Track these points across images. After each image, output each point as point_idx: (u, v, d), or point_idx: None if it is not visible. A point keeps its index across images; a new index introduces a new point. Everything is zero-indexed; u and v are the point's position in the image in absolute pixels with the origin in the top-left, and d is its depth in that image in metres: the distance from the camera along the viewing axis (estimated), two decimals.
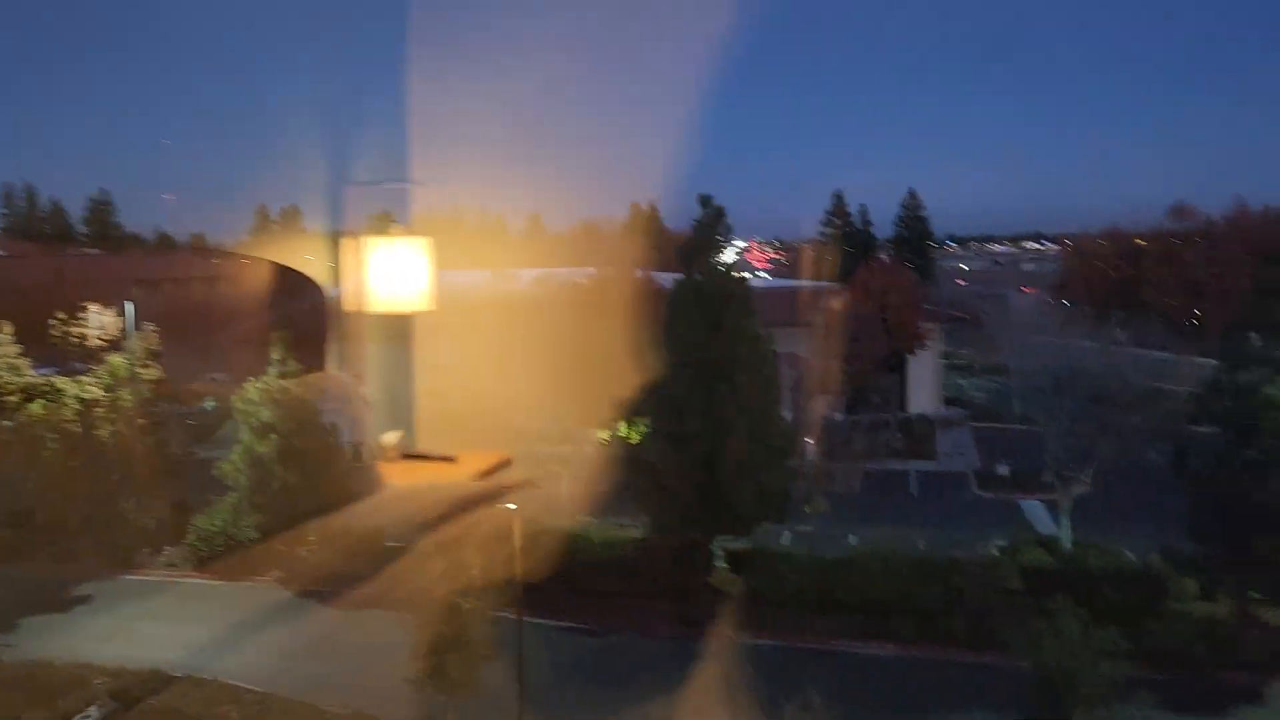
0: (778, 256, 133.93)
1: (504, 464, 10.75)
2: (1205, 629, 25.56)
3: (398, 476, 10.63)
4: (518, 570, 23.12)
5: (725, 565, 30.54)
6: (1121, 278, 64.46)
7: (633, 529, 31.24)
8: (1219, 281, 55.26)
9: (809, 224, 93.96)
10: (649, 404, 29.55)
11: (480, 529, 21.05)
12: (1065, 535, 31.93)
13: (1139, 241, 67.95)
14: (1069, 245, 78.00)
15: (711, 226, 29.23)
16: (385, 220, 9.82)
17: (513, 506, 21.42)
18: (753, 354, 28.27)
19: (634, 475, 29.47)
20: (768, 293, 58.75)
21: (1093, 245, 68.64)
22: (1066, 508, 32.11)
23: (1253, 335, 24.26)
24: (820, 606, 27.87)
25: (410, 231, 9.91)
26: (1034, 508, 39.08)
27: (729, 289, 28.16)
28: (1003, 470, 43.26)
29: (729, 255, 40.69)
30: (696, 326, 27.87)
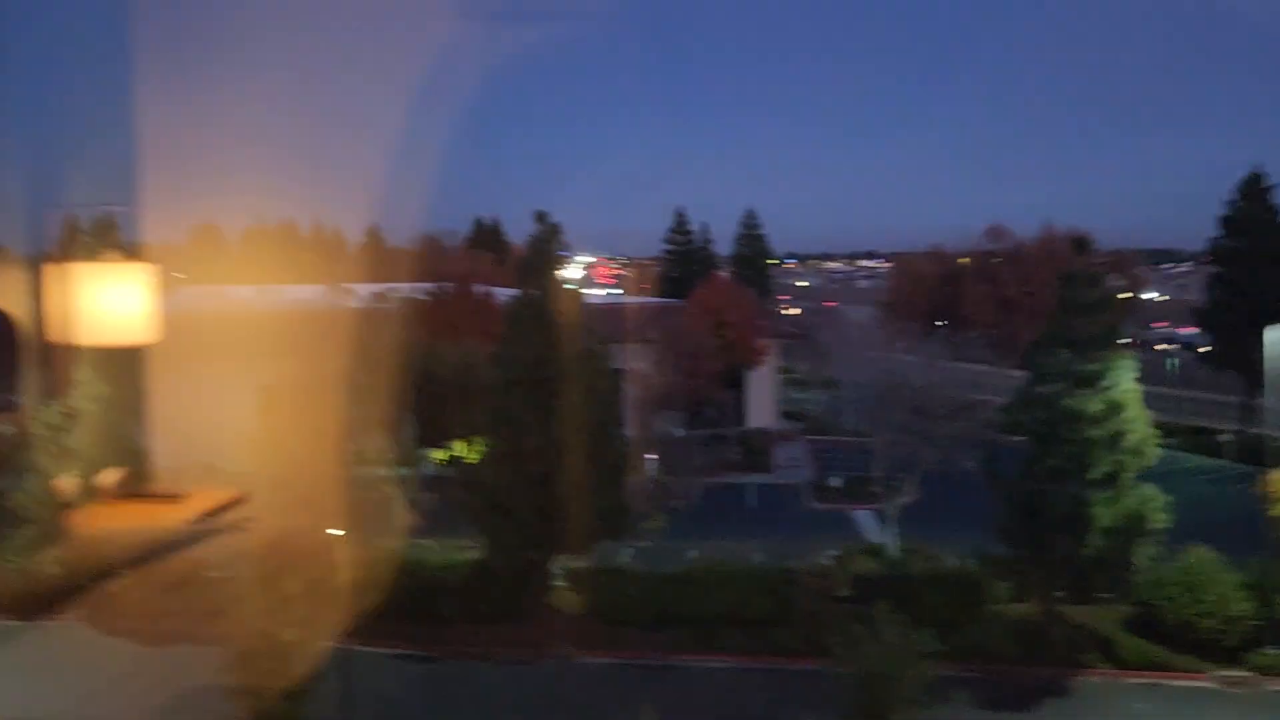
0: (622, 273, 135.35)
1: (235, 502, 10.11)
2: (1016, 628, 27.11)
3: (97, 518, 9.87)
4: (346, 598, 22.35)
5: (565, 585, 30.45)
6: (943, 295, 68.14)
7: (471, 551, 30.74)
8: (1029, 299, 59.11)
9: (653, 241, 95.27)
10: (486, 423, 29.23)
11: (302, 558, 20.23)
12: (892, 542, 33.39)
13: (960, 260, 71.97)
14: (896, 264, 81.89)
15: (548, 242, 29.15)
16: (100, 244, 9.12)
17: (340, 532, 20.74)
18: (591, 371, 28.33)
19: (472, 496, 29.03)
20: (611, 309, 59.09)
21: (917, 264, 72.38)
22: (893, 516, 33.60)
23: (1062, 350, 25.85)
24: (660, 622, 28.08)
25: (128, 256, 9.09)
26: (864, 517, 40.66)
27: (566, 305, 28.12)
28: (835, 482, 44.78)
29: (573, 271, 40.71)
30: (533, 344, 27.71)
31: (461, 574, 28.88)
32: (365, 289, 47.14)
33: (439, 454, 34.65)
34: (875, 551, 33.34)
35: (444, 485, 33.01)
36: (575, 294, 29.68)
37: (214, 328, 38.07)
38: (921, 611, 25.47)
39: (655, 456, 34.07)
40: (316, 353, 34.11)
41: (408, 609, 28.07)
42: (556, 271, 28.85)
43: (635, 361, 48.52)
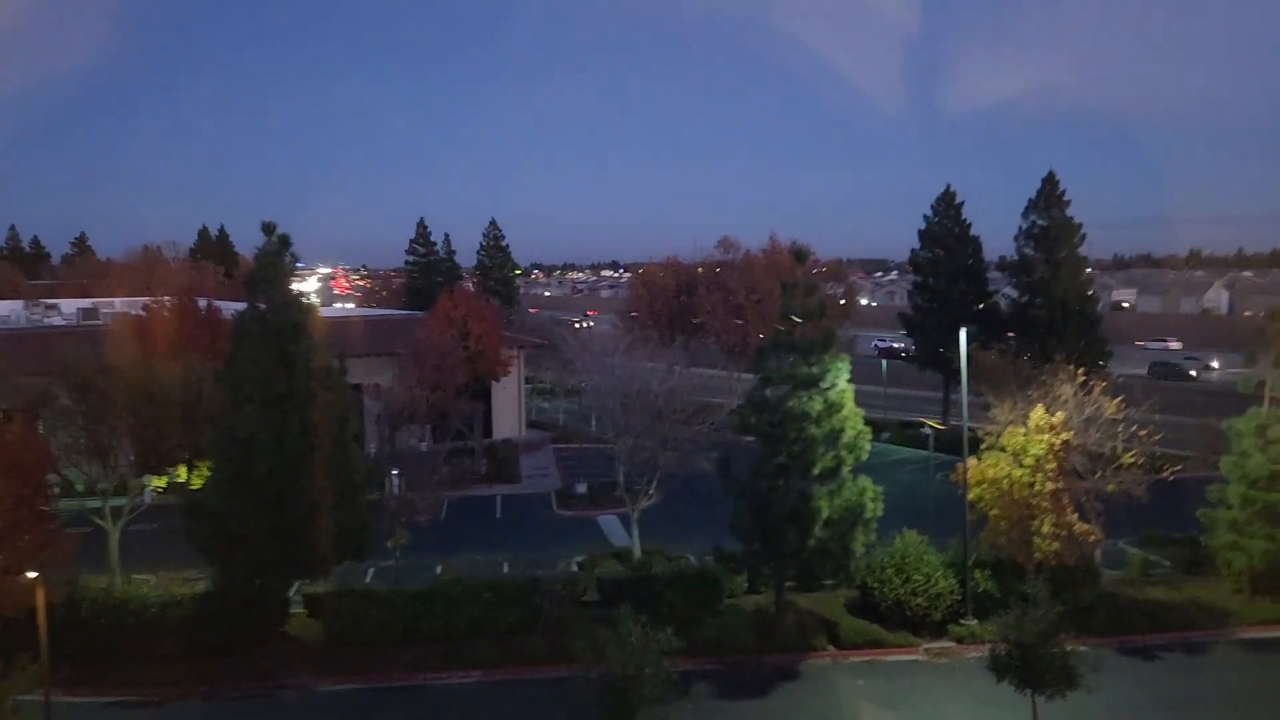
0: (364, 284, 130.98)
1: None
2: (751, 619, 28.62)
3: None
4: (46, 645, 20.19)
5: (303, 611, 29.02)
6: (680, 303, 70.81)
7: (198, 582, 28.66)
8: (758, 306, 62.56)
9: (396, 253, 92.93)
10: (213, 445, 27.31)
11: None
12: (636, 545, 34.28)
13: (696, 270, 75.03)
14: (636, 274, 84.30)
15: (278, 254, 27.64)
16: None
17: (33, 575, 18.65)
18: (327, 387, 27.16)
19: (196, 523, 27.01)
20: (349, 322, 57.08)
21: (655, 274, 74.77)
22: (636, 519, 34.51)
23: (785, 354, 27.49)
24: (407, 641, 27.36)
25: None
26: (610, 522, 41.53)
27: (298, 319, 26.77)
28: (581, 488, 45.47)
29: (309, 283, 38.84)
30: (263, 360, 26.16)
31: (185, 608, 26.81)
32: (71, 304, 42.85)
33: (159, 481, 32.01)
34: (620, 555, 34.13)
35: (165, 514, 30.56)
36: (309, 307, 28.34)
37: None
38: (664, 610, 26.43)
39: (398, 472, 33.16)
40: (7, 376, 30.71)
41: (122, 650, 25.82)
42: (288, 284, 27.40)
43: (376, 376, 47.09)
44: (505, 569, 33.45)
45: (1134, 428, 31.57)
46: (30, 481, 23.51)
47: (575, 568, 33.49)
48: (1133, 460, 30.42)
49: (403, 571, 30.94)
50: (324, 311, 45.18)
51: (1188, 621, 29.15)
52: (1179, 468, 33.00)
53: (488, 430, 53.83)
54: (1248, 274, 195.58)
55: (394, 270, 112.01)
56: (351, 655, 26.88)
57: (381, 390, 46.24)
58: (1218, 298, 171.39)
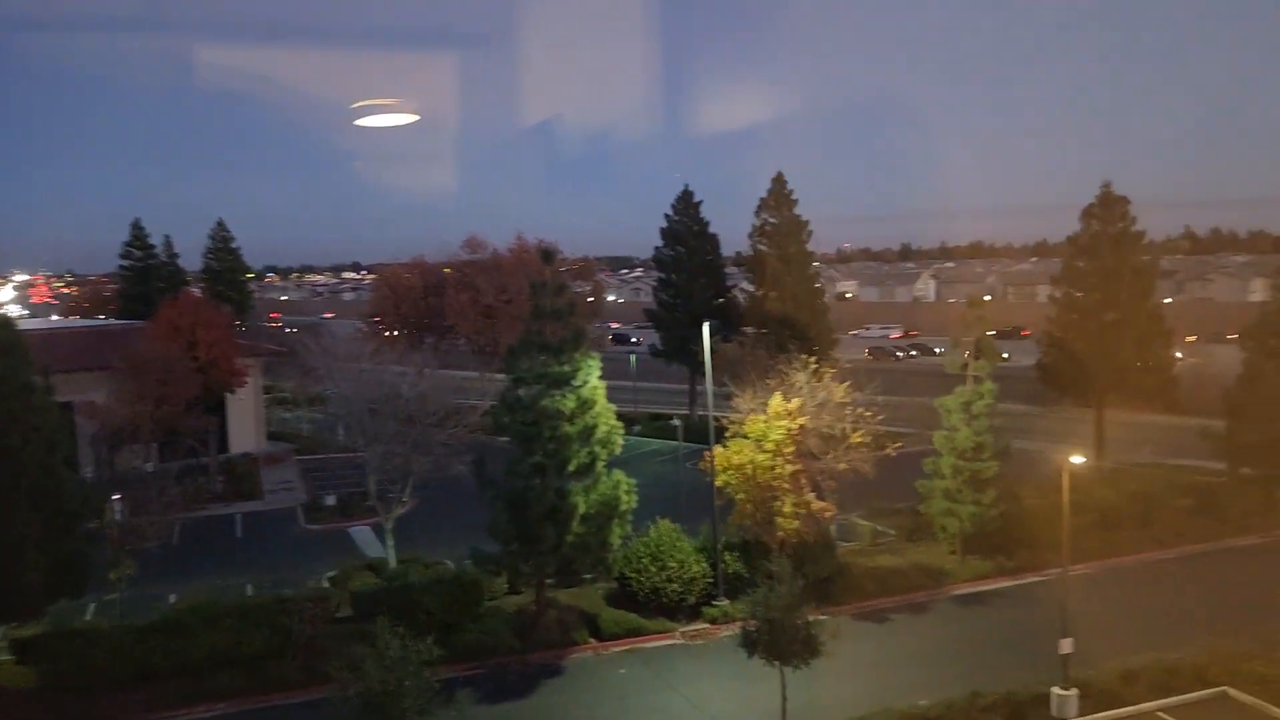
0: (70, 292, 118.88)
1: None
2: (512, 620, 28.50)
3: None
4: None
5: (12, 658, 25.96)
6: (428, 304, 69.34)
7: None
8: (508, 306, 62.36)
9: (108, 256, 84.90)
10: None
11: None
12: (391, 555, 33.26)
13: (443, 270, 73.67)
14: (380, 275, 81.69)
15: None
16: None
17: None
18: (28, 409, 24.38)
19: None
20: (56, 334, 51.81)
21: (400, 275, 72.78)
22: (390, 528, 33.47)
23: (537, 354, 27.51)
24: (139, 679, 25.08)
25: None
26: (362, 533, 40.09)
27: None
28: (330, 500, 43.58)
29: (4, 292, 34.74)
30: None
31: None
32: None
33: None
34: (374, 566, 32.99)
35: None
36: (6, 319, 25.37)
37: None
38: (422, 619, 25.78)
39: (120, 496, 30.30)
40: None
41: None
42: None
43: (89, 392, 42.94)
44: (249, 591, 31.48)
45: (860, 409, 34.10)
46: None
47: (326, 583, 32.03)
48: (860, 439, 32.87)
49: (130, 604, 28.40)
50: (24, 323, 40.64)
51: (912, 584, 31.89)
52: (900, 444, 35.97)
53: (224, 445, 50.44)
54: (950, 265, 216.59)
55: (106, 276, 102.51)
56: (74, 702, 24.31)
57: (96, 408, 42.19)
58: (926, 287, 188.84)
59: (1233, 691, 22.80)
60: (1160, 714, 22.40)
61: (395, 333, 69.93)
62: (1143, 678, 23.59)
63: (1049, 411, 52.01)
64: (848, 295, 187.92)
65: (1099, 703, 22.69)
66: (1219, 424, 39.88)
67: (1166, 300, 72.73)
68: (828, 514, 31.05)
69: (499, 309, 63.57)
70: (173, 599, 29.78)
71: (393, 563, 32.83)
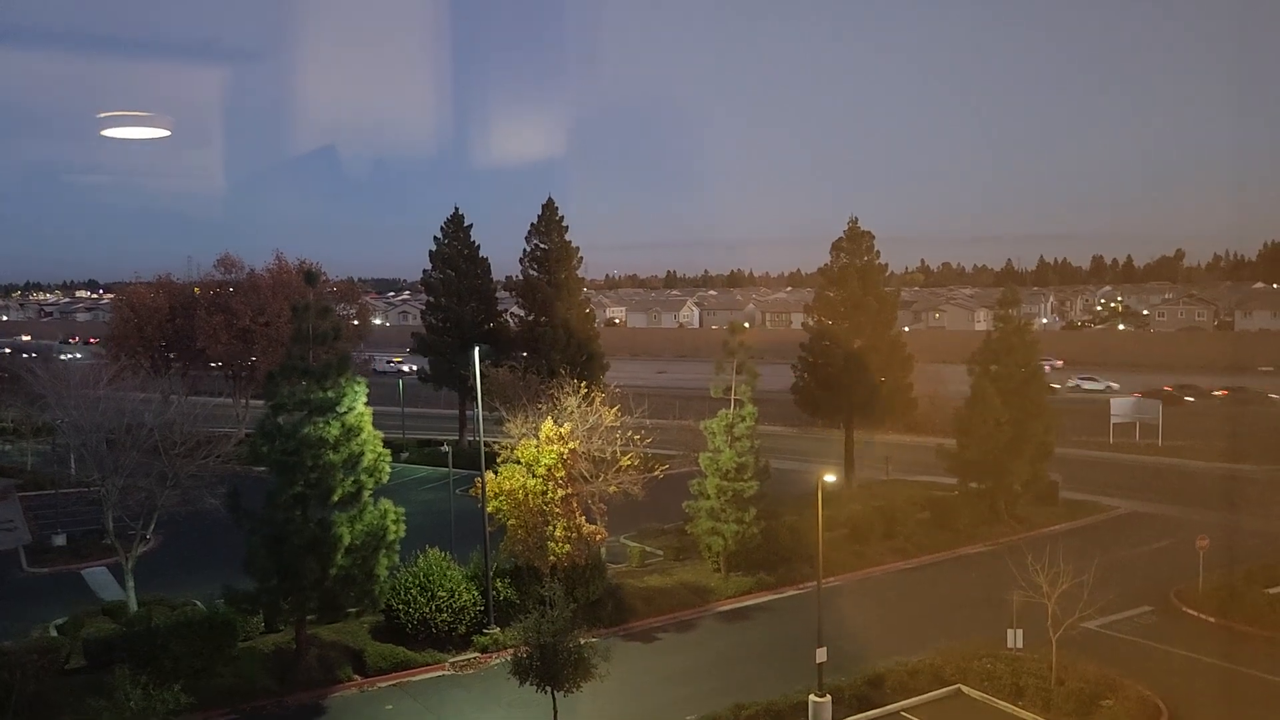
0: None
1: None
2: (269, 659, 26.93)
3: None
4: None
5: None
6: (175, 326, 64.79)
7: None
8: (266, 329, 59.31)
9: None
10: None
11: None
12: (132, 598, 30.63)
13: (194, 290, 69.13)
14: (120, 295, 75.49)
15: None
16: None
17: None
18: None
19: None
20: None
21: (144, 294, 67.62)
22: (131, 568, 30.85)
23: (299, 379, 26.22)
24: None
25: None
26: (98, 575, 36.78)
27: None
28: (59, 540, 39.68)
29: None
30: None
31: None
32: None
33: None
34: (111, 611, 30.29)
35: None
36: None
37: None
38: (168, 664, 23.96)
39: None
40: None
41: None
42: None
43: None
44: None
45: (629, 432, 34.85)
46: None
47: (54, 632, 29.04)
48: (630, 462, 33.57)
49: None
50: None
51: (678, 602, 32.80)
52: (667, 466, 36.99)
53: None
54: (713, 293, 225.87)
55: None
56: None
57: None
58: (690, 314, 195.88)
59: (965, 688, 24.93)
60: (904, 714, 24.13)
61: (138, 357, 64.82)
62: (888, 680, 25.35)
63: (804, 433, 55.13)
64: (616, 321, 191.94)
65: (850, 707, 24.15)
66: (951, 442, 43.62)
67: (906, 328, 79.10)
68: (598, 537, 31.43)
69: (257, 332, 60.36)
70: None
71: (134, 606, 30.25)
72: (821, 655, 23.97)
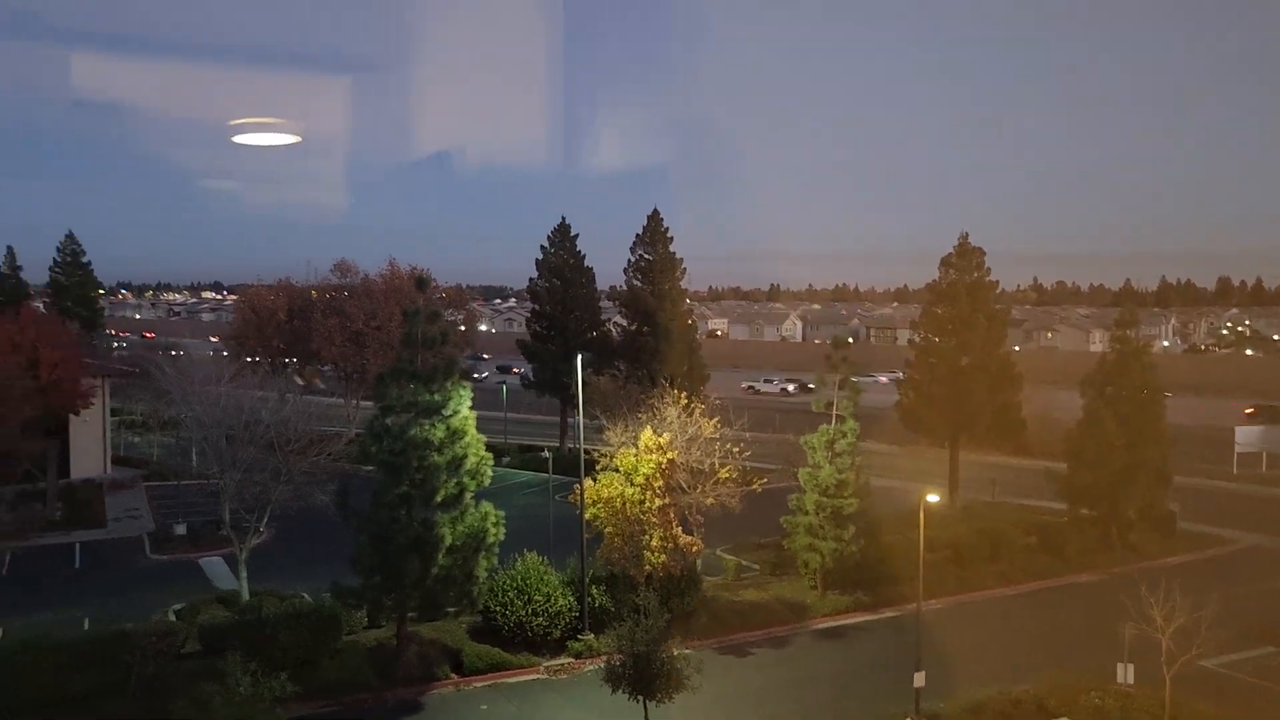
0: None
1: None
2: (371, 655, 27.67)
3: None
4: None
5: None
6: (293, 328, 67.28)
7: None
8: (377, 332, 61.14)
9: None
10: None
11: None
12: (244, 587, 31.88)
13: (311, 293, 71.71)
14: (243, 297, 78.84)
15: None
16: None
17: None
18: None
19: None
20: None
21: (264, 297, 70.47)
22: (244, 559, 32.10)
23: (408, 382, 26.97)
24: None
25: None
26: (214, 564, 38.35)
27: None
28: (180, 529, 41.56)
29: None
30: None
31: None
32: None
33: None
34: (226, 599, 31.57)
35: None
36: None
37: None
38: (277, 654, 24.79)
39: None
40: None
41: None
42: None
43: None
44: (86, 625, 29.59)
45: (729, 444, 34.71)
46: None
47: (173, 617, 30.42)
48: (728, 474, 33.43)
49: None
50: None
51: (774, 617, 32.47)
52: (766, 480, 36.72)
53: (65, 469, 47.56)
54: (816, 306, 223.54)
55: None
56: None
57: None
58: (793, 327, 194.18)
59: None
60: None
61: (257, 356, 67.57)
62: (989, 709, 24.58)
63: (906, 451, 54.04)
64: (718, 333, 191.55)
65: None
66: (1061, 466, 42.15)
67: (1016, 348, 76.84)
68: (694, 548, 31.38)
69: (368, 335, 62.23)
70: None
71: (246, 595, 31.47)
72: (920, 679, 23.44)
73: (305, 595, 31.63)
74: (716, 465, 33.63)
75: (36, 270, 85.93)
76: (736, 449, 34.61)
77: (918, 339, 48.65)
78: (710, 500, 33.09)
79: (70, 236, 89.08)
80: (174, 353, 69.94)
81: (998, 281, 48.05)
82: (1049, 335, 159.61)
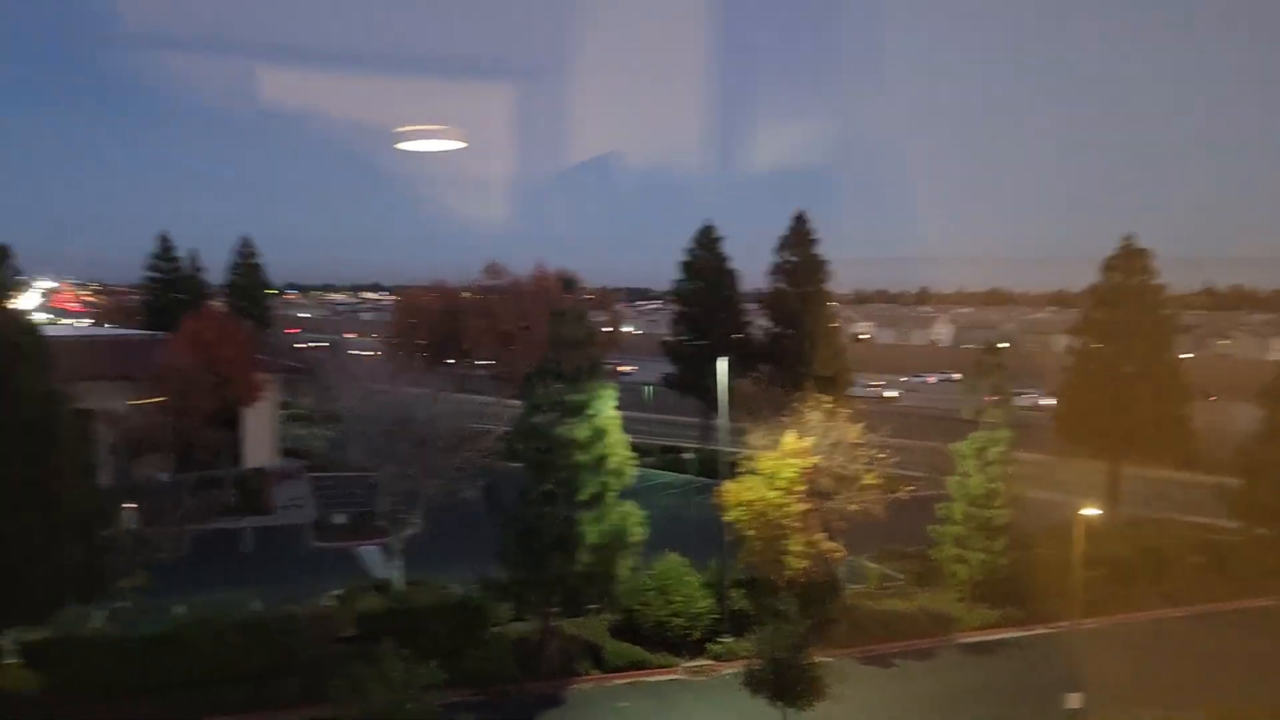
0: (96, 301, 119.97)
1: None
2: (516, 647, 28.45)
3: None
4: None
5: (19, 661, 26.04)
6: (446, 328, 69.81)
7: None
8: (525, 332, 62.75)
9: (134, 267, 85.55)
10: None
11: None
12: (398, 577, 33.28)
13: (463, 295, 74.27)
14: (400, 297, 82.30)
15: None
16: None
17: None
18: (49, 413, 24.63)
19: None
20: (80, 341, 52.36)
21: (420, 297, 73.40)
22: (398, 549, 33.51)
23: (553, 381, 27.67)
24: (142, 689, 25.13)
25: None
26: (370, 553, 40.11)
27: (18, 339, 24.23)
28: (340, 519, 43.69)
29: (30, 299, 35.30)
30: None
31: None
32: None
33: None
34: (380, 587, 33.02)
35: None
36: (32, 325, 25.73)
37: None
38: (427, 643, 25.72)
39: (135, 505, 30.56)
40: None
41: None
42: (7, 300, 24.74)
43: (109, 401, 43.31)
44: (254, 607, 31.48)
45: (873, 451, 34.03)
46: None
47: (332, 602, 32.03)
48: (872, 481, 32.78)
49: (139, 613, 28.49)
50: (50, 330, 41.19)
51: (919, 629, 31.65)
52: (912, 487, 35.86)
53: (237, 459, 50.67)
54: (967, 310, 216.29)
55: (131, 287, 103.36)
56: (78, 709, 24.39)
57: (116, 416, 42.54)
58: (943, 332, 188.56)
59: None
60: None
61: (412, 354, 70.38)
62: None
63: (1063, 462, 51.68)
64: (864, 336, 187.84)
65: None
66: (1234, 481, 39.52)
67: (1185, 355, 72.37)
68: (836, 555, 30.92)
69: (516, 335, 63.94)
70: (179, 611, 29.83)
71: (399, 584, 32.85)
72: (1075, 700, 22.45)
73: (453, 586, 32.74)
74: (861, 471, 33.03)
75: (216, 272, 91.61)
76: (882, 455, 33.91)
77: (1077, 345, 46.46)
78: (854, 507, 32.52)
79: (245, 240, 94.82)
80: (334, 350, 73.72)
81: (1165, 285, 45.38)
82: (1223, 343, 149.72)
